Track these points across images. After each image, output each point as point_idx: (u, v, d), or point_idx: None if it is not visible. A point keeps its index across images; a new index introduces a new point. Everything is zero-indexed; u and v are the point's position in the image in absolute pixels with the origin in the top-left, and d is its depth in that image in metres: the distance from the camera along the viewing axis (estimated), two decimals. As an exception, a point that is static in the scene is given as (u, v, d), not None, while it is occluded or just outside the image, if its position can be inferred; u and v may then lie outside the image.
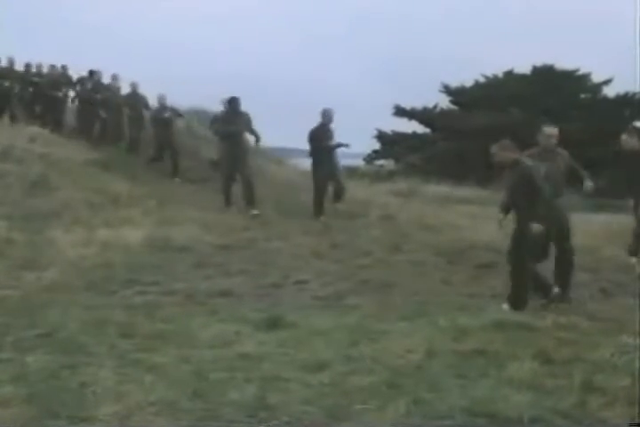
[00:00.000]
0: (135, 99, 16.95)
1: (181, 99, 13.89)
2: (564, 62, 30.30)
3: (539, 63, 30.76)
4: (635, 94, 29.48)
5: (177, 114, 16.20)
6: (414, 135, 34.00)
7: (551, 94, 28.95)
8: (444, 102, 33.80)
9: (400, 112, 33.24)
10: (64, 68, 18.04)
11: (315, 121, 12.71)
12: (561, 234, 7.77)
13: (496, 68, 32.31)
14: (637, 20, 10.18)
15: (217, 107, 15.37)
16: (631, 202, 9.76)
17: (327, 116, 12.83)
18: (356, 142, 17.01)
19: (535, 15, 56.56)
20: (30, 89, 17.65)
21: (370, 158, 34.42)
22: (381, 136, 34.26)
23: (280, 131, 23.33)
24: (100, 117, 17.13)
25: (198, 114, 18.61)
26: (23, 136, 15.09)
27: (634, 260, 9.65)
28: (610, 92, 30.47)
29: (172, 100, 16.83)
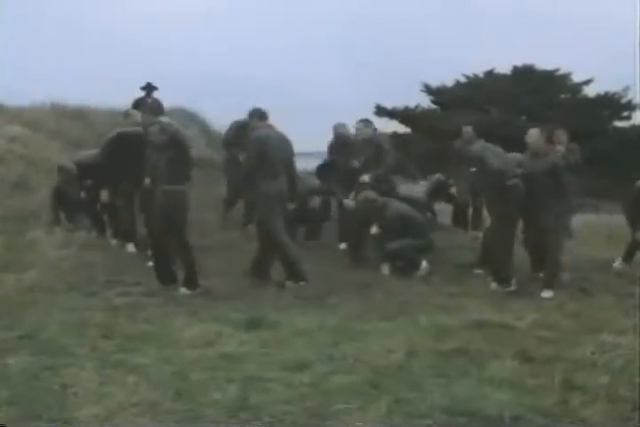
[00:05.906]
0: None
1: (162, 98, 13.87)
2: (544, 62, 30.47)
3: (519, 63, 30.92)
4: (614, 94, 29.68)
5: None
6: (395, 135, 34.07)
7: (532, 94, 29.07)
8: (425, 102, 33.90)
9: (381, 112, 33.27)
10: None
11: (295, 121, 12.84)
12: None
13: (477, 67, 32.43)
14: (637, 21, 10.22)
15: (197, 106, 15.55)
16: None
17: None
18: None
19: (515, 16, 56.83)
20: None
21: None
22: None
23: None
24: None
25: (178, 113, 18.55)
26: (3, 136, 15.00)
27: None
28: (590, 92, 30.66)
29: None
